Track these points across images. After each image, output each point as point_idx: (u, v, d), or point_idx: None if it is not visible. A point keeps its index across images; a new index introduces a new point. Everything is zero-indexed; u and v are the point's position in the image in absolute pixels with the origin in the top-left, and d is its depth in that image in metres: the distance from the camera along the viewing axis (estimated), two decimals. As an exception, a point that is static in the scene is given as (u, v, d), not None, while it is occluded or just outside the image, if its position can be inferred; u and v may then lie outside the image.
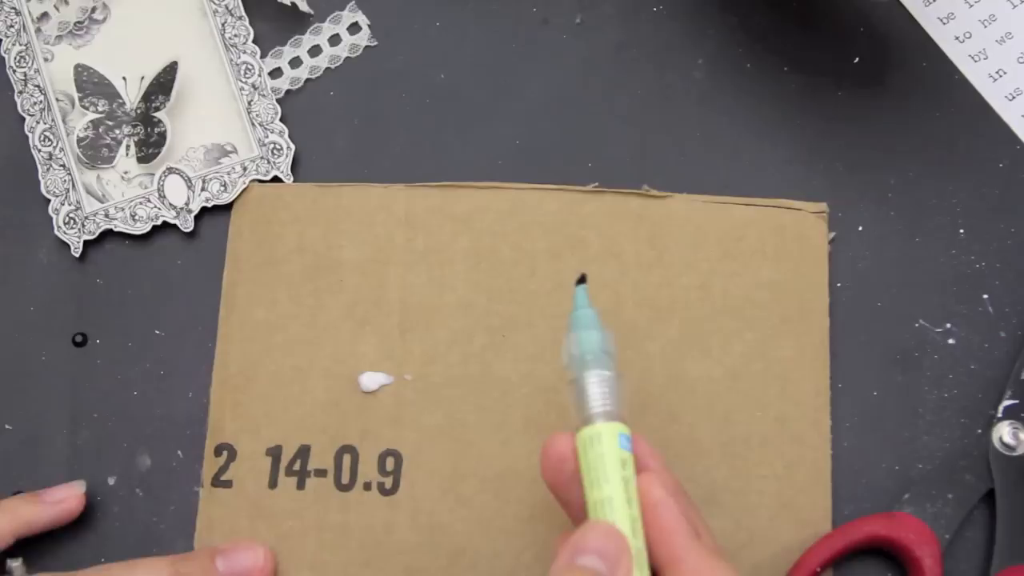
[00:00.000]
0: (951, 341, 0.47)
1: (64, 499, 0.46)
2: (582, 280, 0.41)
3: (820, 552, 0.44)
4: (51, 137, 0.51)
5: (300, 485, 0.47)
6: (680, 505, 0.37)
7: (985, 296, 0.48)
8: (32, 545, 0.46)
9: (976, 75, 0.50)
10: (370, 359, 0.48)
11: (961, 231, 0.49)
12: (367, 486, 0.46)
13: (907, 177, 0.49)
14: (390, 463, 0.47)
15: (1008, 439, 0.45)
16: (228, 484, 0.47)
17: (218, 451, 0.47)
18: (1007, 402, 0.45)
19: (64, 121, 0.51)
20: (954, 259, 0.48)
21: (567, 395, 0.39)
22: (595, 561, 0.35)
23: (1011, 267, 0.48)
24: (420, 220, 0.49)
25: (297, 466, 0.47)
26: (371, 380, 0.47)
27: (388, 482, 0.46)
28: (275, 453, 0.47)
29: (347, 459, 0.47)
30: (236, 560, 0.45)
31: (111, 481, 0.48)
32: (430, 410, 0.47)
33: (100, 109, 0.51)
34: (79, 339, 0.49)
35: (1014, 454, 0.45)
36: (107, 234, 0.50)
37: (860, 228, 0.49)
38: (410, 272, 0.48)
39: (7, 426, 0.49)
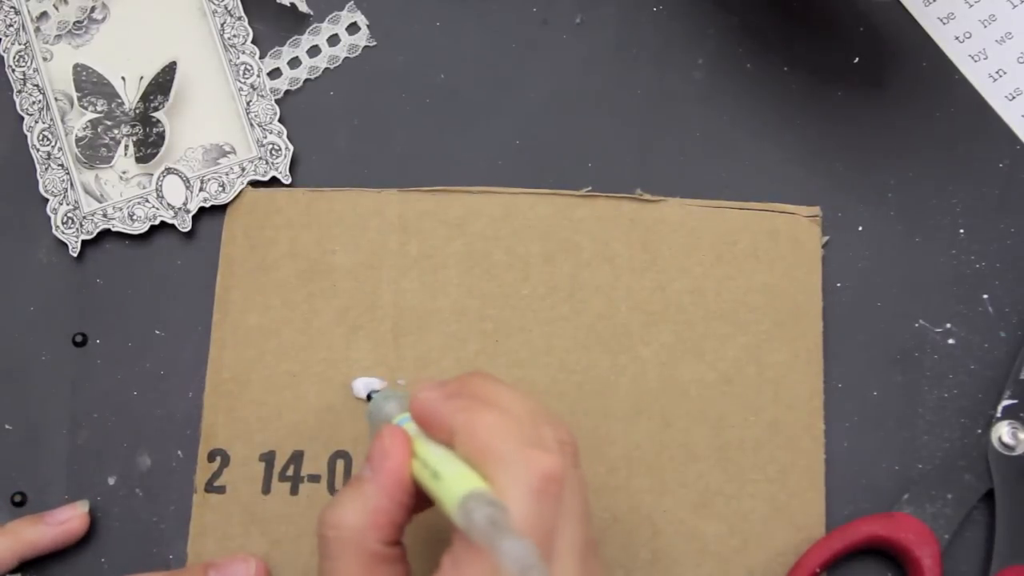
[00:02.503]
0: (951, 341, 0.47)
1: (68, 519, 0.46)
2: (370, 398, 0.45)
3: (820, 553, 0.44)
4: (49, 137, 0.51)
5: (293, 491, 0.47)
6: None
7: (985, 296, 0.48)
8: (32, 545, 0.47)
9: (976, 75, 0.50)
10: (363, 364, 0.48)
11: (961, 231, 0.49)
12: (362, 491, 0.47)
13: (907, 177, 0.49)
14: (384, 468, 0.47)
15: (1007, 439, 0.45)
16: (221, 490, 0.47)
17: (211, 457, 0.47)
18: (1006, 402, 0.45)
19: (63, 121, 0.51)
20: (954, 259, 0.48)
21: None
22: (364, 468, 0.38)
23: (1011, 267, 0.48)
24: (413, 225, 0.49)
25: (290, 472, 0.47)
26: (363, 387, 0.47)
27: (381, 487, 0.47)
28: (268, 459, 0.47)
29: (340, 465, 0.47)
30: (229, 573, 0.45)
31: (111, 481, 0.48)
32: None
33: (99, 109, 0.51)
34: (79, 339, 0.49)
35: (1013, 454, 0.45)
36: (105, 234, 0.50)
37: (860, 228, 0.49)
38: (403, 277, 0.48)
39: (7, 426, 0.49)
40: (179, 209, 0.50)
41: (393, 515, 0.37)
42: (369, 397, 0.46)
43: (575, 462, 0.37)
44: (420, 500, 0.38)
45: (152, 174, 0.50)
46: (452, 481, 0.35)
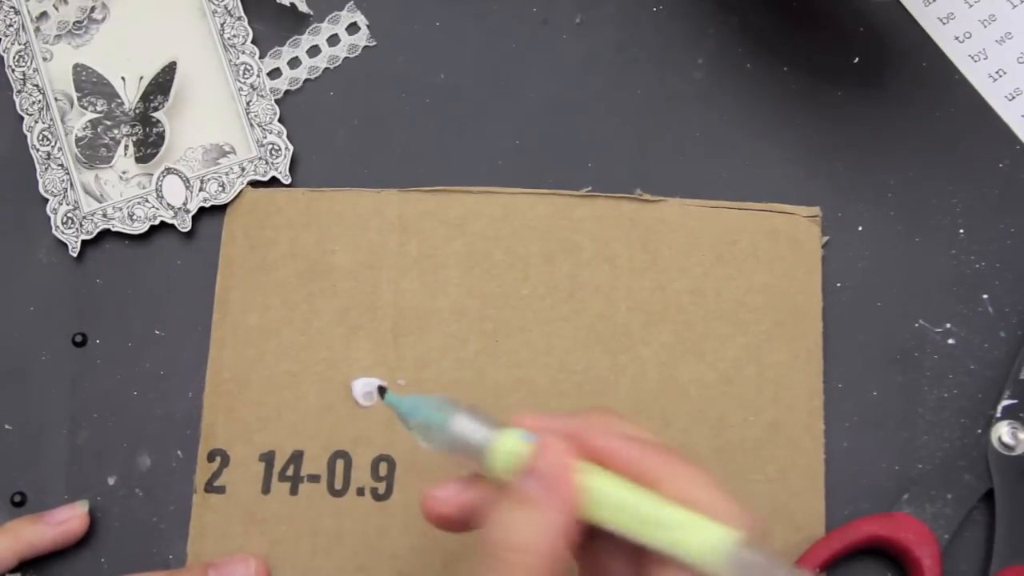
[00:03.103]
0: (951, 341, 0.47)
1: (67, 519, 0.46)
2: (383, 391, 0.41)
3: (820, 553, 0.44)
4: (49, 137, 0.51)
5: (293, 491, 0.47)
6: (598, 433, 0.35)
7: (985, 296, 0.48)
8: (32, 545, 0.47)
9: (976, 75, 0.50)
10: (363, 364, 0.48)
11: (961, 231, 0.48)
12: (360, 492, 0.47)
13: (907, 177, 0.49)
14: (383, 468, 0.47)
15: (1007, 439, 0.45)
16: (221, 490, 0.47)
17: (211, 457, 0.47)
18: (1006, 402, 0.45)
19: (62, 121, 0.51)
20: (954, 259, 0.48)
21: (460, 462, 0.37)
22: (532, 486, 0.34)
23: (1011, 267, 0.48)
24: (413, 225, 0.49)
25: (290, 472, 0.47)
26: (364, 390, 0.47)
27: (381, 487, 0.47)
28: (268, 459, 0.47)
29: (340, 464, 0.47)
30: (229, 573, 0.45)
31: (111, 481, 0.48)
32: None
33: (99, 109, 0.51)
34: (79, 339, 0.49)
35: (1013, 454, 0.45)
36: (105, 234, 0.50)
37: (860, 228, 0.49)
38: (403, 277, 0.48)
39: (7, 426, 0.49)
40: (179, 209, 0.50)
41: (572, 537, 0.34)
42: (381, 393, 0.42)
43: None
44: None
45: (152, 174, 0.50)
46: (691, 528, 0.33)
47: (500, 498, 0.34)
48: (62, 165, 0.50)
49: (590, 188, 0.49)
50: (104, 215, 0.50)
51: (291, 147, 0.50)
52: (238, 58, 0.51)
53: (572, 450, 0.34)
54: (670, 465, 0.34)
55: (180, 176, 0.50)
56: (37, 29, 0.52)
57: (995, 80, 0.50)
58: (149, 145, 0.50)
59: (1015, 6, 0.51)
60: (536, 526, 0.33)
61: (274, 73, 0.51)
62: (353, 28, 0.52)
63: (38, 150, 0.51)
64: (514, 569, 0.33)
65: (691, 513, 0.33)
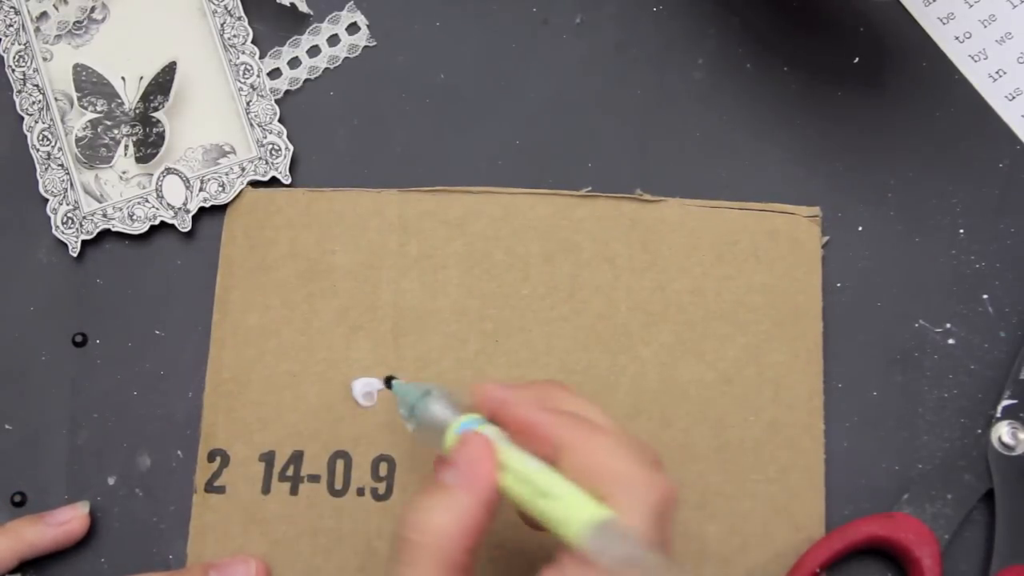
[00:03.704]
0: (951, 341, 0.47)
1: (68, 520, 0.46)
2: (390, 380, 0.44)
3: (820, 553, 0.44)
4: (49, 137, 0.51)
5: (293, 491, 0.47)
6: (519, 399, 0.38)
7: (985, 296, 0.48)
8: (32, 546, 0.47)
9: (976, 75, 0.50)
10: (363, 364, 0.48)
11: (961, 231, 0.48)
12: (360, 492, 0.47)
13: (907, 177, 0.49)
14: (383, 468, 0.47)
15: (1007, 439, 0.45)
16: (221, 490, 0.47)
17: (211, 457, 0.47)
18: (1006, 402, 0.45)
19: (63, 121, 0.51)
20: (954, 259, 0.48)
21: (423, 442, 0.40)
22: (452, 475, 0.36)
23: (1011, 267, 0.48)
24: (413, 225, 0.49)
25: (290, 472, 0.47)
26: (364, 390, 0.47)
27: (381, 488, 0.47)
28: (268, 459, 0.47)
29: (340, 465, 0.47)
30: (230, 574, 0.45)
31: (111, 481, 0.48)
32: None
33: (99, 109, 0.51)
34: (79, 339, 0.49)
35: (1013, 454, 0.45)
36: (105, 234, 0.50)
37: (860, 228, 0.49)
38: (403, 277, 0.48)
39: (7, 426, 0.49)
40: (179, 209, 0.50)
41: (483, 523, 0.36)
42: (388, 383, 0.44)
43: None
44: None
45: (152, 174, 0.50)
46: (571, 504, 0.34)
47: (423, 486, 0.36)
48: (62, 165, 0.50)
49: (590, 188, 0.49)
50: (104, 215, 0.50)
51: (291, 147, 0.50)
52: (238, 58, 0.51)
53: (489, 442, 0.37)
54: (580, 433, 0.36)
55: (180, 176, 0.50)
56: (37, 29, 0.52)
57: (995, 80, 0.50)
58: (149, 145, 0.50)
59: (1015, 6, 0.51)
60: (444, 510, 0.36)
61: (274, 73, 0.51)
62: (353, 28, 0.52)
63: (38, 150, 0.51)
64: (413, 548, 0.36)
65: (573, 488, 0.35)
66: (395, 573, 0.36)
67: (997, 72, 0.50)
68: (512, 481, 0.36)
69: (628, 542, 0.32)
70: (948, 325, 0.47)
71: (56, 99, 0.51)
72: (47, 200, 0.50)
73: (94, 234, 0.50)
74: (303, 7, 0.52)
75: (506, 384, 0.39)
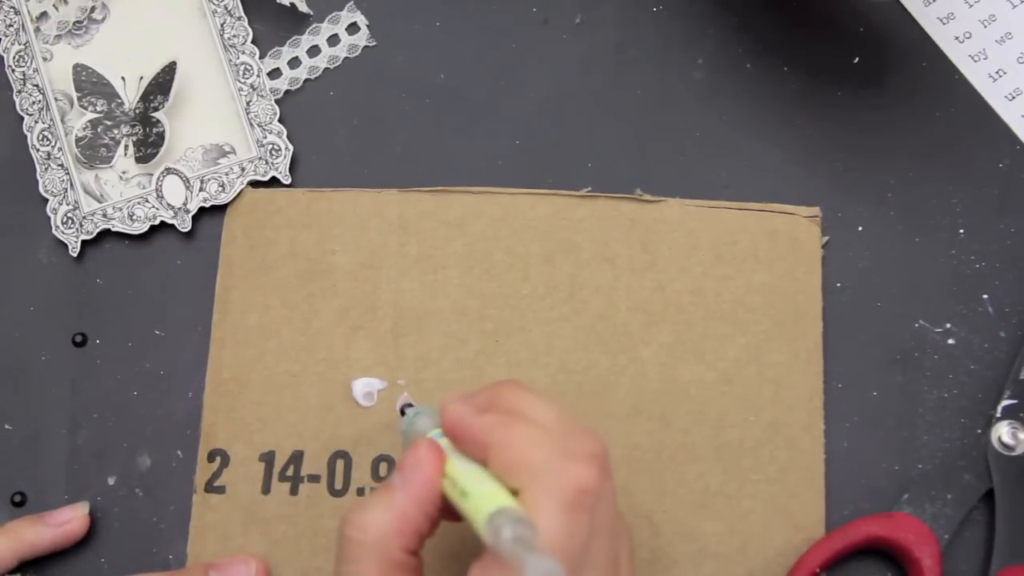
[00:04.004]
0: (951, 341, 0.47)
1: (68, 521, 0.46)
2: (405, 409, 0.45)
3: (819, 553, 0.44)
4: (49, 137, 0.51)
5: (293, 491, 0.47)
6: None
7: (985, 296, 0.48)
8: (32, 546, 0.47)
9: (976, 75, 0.50)
10: (363, 364, 0.48)
11: (961, 231, 0.49)
12: (360, 492, 0.47)
13: (907, 177, 0.49)
14: (383, 468, 0.47)
15: (1007, 439, 0.45)
16: (221, 490, 0.47)
17: (211, 457, 0.47)
18: (1006, 402, 0.45)
19: (63, 121, 0.51)
20: (954, 259, 0.48)
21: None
22: (395, 476, 0.38)
23: (1011, 267, 0.48)
24: (413, 225, 0.49)
25: (290, 472, 0.47)
26: (364, 390, 0.47)
27: (381, 488, 0.47)
28: (268, 459, 0.47)
29: (340, 465, 0.47)
30: (230, 574, 0.45)
31: (111, 481, 0.48)
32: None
33: (99, 109, 0.51)
34: (79, 339, 0.49)
35: (1013, 454, 0.45)
36: (105, 234, 0.50)
37: (860, 228, 0.49)
38: (403, 277, 0.48)
39: (7, 426, 0.49)
40: (179, 209, 0.50)
41: (418, 525, 0.37)
42: (403, 412, 0.46)
43: (607, 474, 0.37)
44: (447, 513, 0.38)
45: (152, 174, 0.50)
46: (480, 499, 0.35)
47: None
48: (62, 165, 0.50)
49: (590, 188, 0.49)
50: (104, 215, 0.50)
51: (291, 147, 0.50)
52: (238, 58, 0.51)
53: (434, 450, 0.38)
54: (502, 432, 0.36)
55: (180, 176, 0.50)
56: (37, 29, 0.52)
57: (995, 80, 0.50)
58: (149, 145, 0.50)
59: (1015, 6, 0.51)
60: (379, 508, 0.37)
61: (274, 73, 0.51)
62: (353, 28, 0.52)
63: (38, 150, 0.51)
64: (351, 545, 0.37)
65: (489, 485, 0.35)
66: (338, 571, 0.37)
67: (997, 72, 0.50)
68: (447, 485, 0.37)
69: (520, 527, 0.32)
70: (948, 325, 0.47)
71: (56, 99, 0.51)
72: (47, 200, 0.50)
73: (94, 234, 0.50)
74: (303, 7, 0.52)
75: (463, 394, 0.39)
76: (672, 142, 0.50)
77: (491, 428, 0.37)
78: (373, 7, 0.52)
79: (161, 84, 0.51)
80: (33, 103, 0.51)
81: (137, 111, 0.51)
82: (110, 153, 0.50)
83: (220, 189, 0.50)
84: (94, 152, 0.50)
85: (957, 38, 0.51)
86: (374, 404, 0.47)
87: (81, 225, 0.50)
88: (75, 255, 0.50)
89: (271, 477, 0.47)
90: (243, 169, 0.50)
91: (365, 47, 0.52)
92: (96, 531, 0.47)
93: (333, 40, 0.52)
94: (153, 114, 0.50)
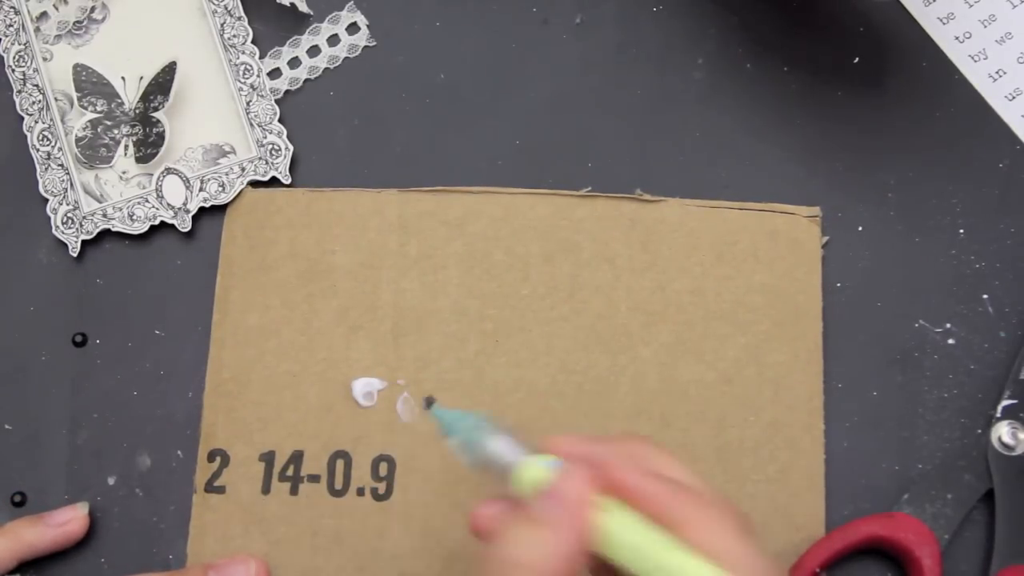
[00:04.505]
0: (951, 341, 0.47)
1: (67, 521, 0.46)
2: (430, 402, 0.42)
3: (819, 553, 0.44)
4: (49, 137, 0.51)
5: (293, 491, 0.47)
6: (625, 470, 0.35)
7: (985, 296, 0.48)
8: (32, 546, 0.47)
9: (976, 75, 0.50)
10: (363, 364, 0.48)
11: (961, 231, 0.48)
12: (360, 492, 0.47)
13: (907, 177, 0.49)
14: (383, 468, 0.47)
15: (1007, 439, 0.45)
16: (221, 490, 0.47)
17: (211, 457, 0.47)
18: (1006, 402, 0.45)
19: (63, 121, 0.51)
20: (954, 259, 0.48)
21: (491, 481, 0.37)
22: (543, 508, 0.34)
23: (1011, 267, 0.48)
24: (413, 225, 0.49)
25: (290, 472, 0.47)
26: (364, 390, 0.47)
27: (381, 487, 0.47)
28: (268, 459, 0.47)
29: (340, 465, 0.47)
30: (229, 574, 0.45)
31: (111, 481, 0.48)
32: (423, 415, 0.47)
33: (99, 109, 0.51)
34: (79, 339, 0.49)
35: (1013, 454, 0.45)
36: (105, 234, 0.50)
37: (860, 228, 0.49)
38: (403, 277, 0.48)
39: (7, 426, 0.49)
40: (179, 209, 0.50)
41: (579, 566, 0.34)
42: (428, 404, 0.44)
43: None
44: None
45: (152, 174, 0.50)
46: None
47: (515, 516, 0.34)
48: (62, 165, 0.50)
49: (590, 188, 0.49)
50: (104, 215, 0.50)
51: (291, 147, 0.50)
52: (238, 58, 0.51)
53: (594, 481, 0.34)
54: (694, 509, 0.34)
55: (180, 176, 0.50)
56: (37, 29, 0.52)
57: (995, 80, 0.50)
58: (149, 145, 0.50)
59: (1015, 6, 0.51)
60: (543, 546, 0.33)
61: (274, 73, 0.51)
62: (353, 28, 0.52)
63: (38, 150, 0.51)
64: None
65: (701, 564, 0.33)
66: None
67: (997, 72, 0.50)
68: (619, 539, 0.34)
69: None
70: (948, 325, 0.47)
71: (56, 99, 0.51)
72: (47, 200, 0.50)
73: (94, 234, 0.50)
74: (303, 7, 0.52)
75: (585, 436, 0.37)
76: (672, 142, 0.50)
77: (679, 504, 0.34)
78: (373, 7, 0.52)
79: (161, 84, 0.51)
80: (33, 103, 0.51)
81: (137, 111, 0.51)
82: (110, 153, 0.50)
83: (220, 189, 0.50)
84: (94, 152, 0.50)
85: (957, 38, 0.51)
86: (374, 404, 0.47)
87: (81, 225, 0.50)
88: (75, 255, 0.50)
89: (271, 477, 0.47)
90: (243, 169, 0.50)
91: (365, 47, 0.52)
92: (96, 531, 0.47)
93: (333, 40, 0.52)
94: (153, 114, 0.51)
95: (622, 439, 0.37)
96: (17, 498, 0.48)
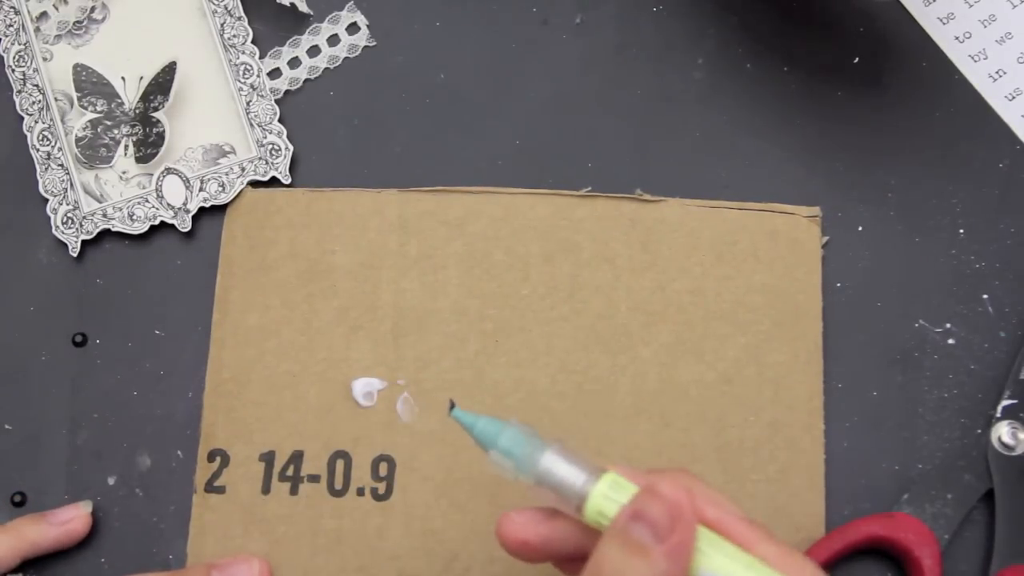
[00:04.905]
0: (951, 341, 0.47)
1: (71, 519, 0.46)
2: (453, 405, 0.38)
3: (819, 553, 0.44)
4: (49, 137, 0.51)
5: (293, 491, 0.47)
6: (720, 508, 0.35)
7: (985, 296, 0.48)
8: (33, 546, 0.47)
9: (976, 75, 0.50)
10: (363, 364, 0.48)
11: (961, 231, 0.48)
12: (360, 492, 0.47)
13: (907, 177, 0.49)
14: (383, 468, 0.47)
15: (1007, 439, 0.45)
16: (221, 490, 0.47)
17: (211, 457, 0.47)
18: (1006, 402, 0.45)
19: (63, 121, 0.51)
20: (954, 259, 0.48)
21: (541, 498, 0.36)
22: (644, 532, 0.32)
23: (1011, 267, 0.48)
24: (413, 225, 0.49)
25: (290, 472, 0.47)
26: (364, 390, 0.47)
27: (381, 487, 0.47)
28: (268, 459, 0.47)
29: (340, 465, 0.47)
30: (232, 574, 0.45)
31: (111, 481, 0.48)
32: (423, 415, 0.47)
33: (99, 109, 0.51)
34: (79, 339, 0.49)
35: (1013, 454, 0.45)
36: (105, 234, 0.50)
37: (860, 228, 0.49)
38: (403, 277, 0.48)
39: (7, 426, 0.49)
40: (179, 209, 0.50)
41: None
42: (452, 407, 0.39)
43: None
44: None
45: (152, 174, 0.50)
46: None
47: (609, 541, 0.33)
48: (62, 165, 0.50)
49: (590, 188, 0.49)
50: (104, 215, 0.50)
51: (291, 147, 0.50)
52: (238, 58, 0.51)
53: (687, 498, 0.33)
54: (777, 549, 0.33)
55: (180, 176, 0.50)
56: (37, 29, 0.52)
57: (995, 80, 0.50)
58: (149, 145, 0.50)
59: (1015, 6, 0.51)
60: (648, 570, 0.32)
61: (274, 73, 0.51)
62: (353, 28, 0.52)
63: (38, 150, 0.51)
64: None
65: None
66: None
67: (997, 72, 0.50)
68: (720, 564, 0.33)
69: None
70: (948, 325, 0.47)
71: (56, 99, 0.51)
72: (47, 200, 0.50)
73: (94, 234, 0.50)
74: (303, 7, 0.52)
75: (634, 468, 0.35)
76: (672, 142, 0.50)
77: (759, 538, 0.33)
78: (373, 7, 0.52)
79: (161, 84, 0.51)
80: (33, 103, 0.51)
81: (137, 111, 0.51)
82: (110, 153, 0.50)
83: (220, 189, 0.50)
84: (94, 152, 0.50)
85: (957, 38, 0.51)
86: (374, 404, 0.47)
87: (81, 225, 0.50)
88: (75, 255, 0.50)
89: (271, 477, 0.47)
90: (243, 169, 0.50)
91: (365, 47, 0.52)
92: (96, 531, 0.47)
93: (333, 40, 0.52)
94: (153, 114, 0.50)
95: (675, 472, 0.36)
96: (17, 498, 0.48)
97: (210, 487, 0.47)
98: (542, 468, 0.35)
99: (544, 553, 0.36)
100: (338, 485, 0.47)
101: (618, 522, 0.33)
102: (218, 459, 0.47)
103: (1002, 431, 0.45)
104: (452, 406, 0.37)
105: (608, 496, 0.34)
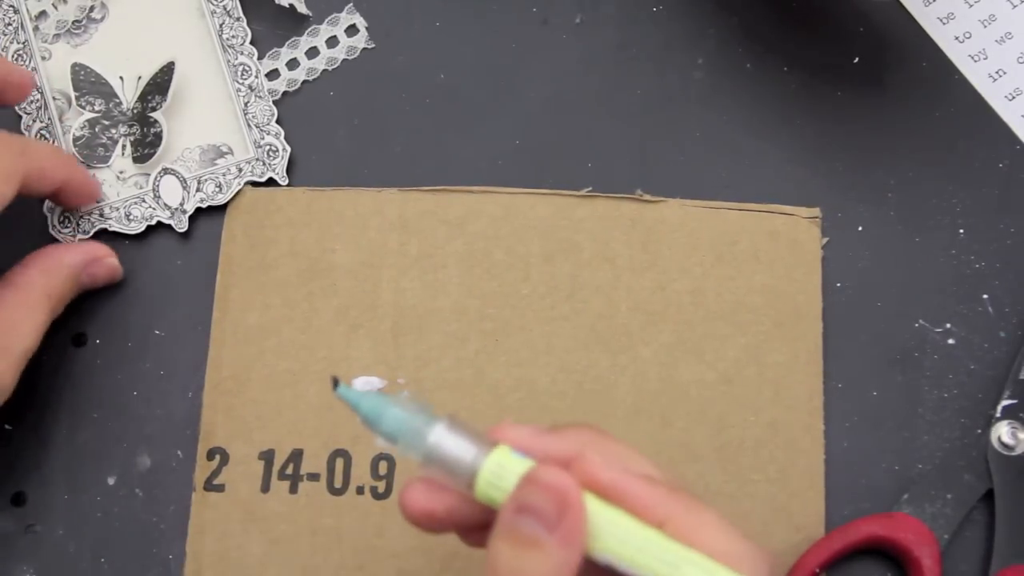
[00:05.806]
0: (951, 341, 0.47)
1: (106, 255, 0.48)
2: (336, 384, 0.35)
3: (819, 553, 0.44)
4: (47, 136, 0.51)
5: (293, 489, 0.47)
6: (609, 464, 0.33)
7: (985, 296, 0.48)
8: (34, 547, 0.47)
9: (976, 75, 0.50)
10: (363, 363, 0.48)
11: (961, 231, 0.49)
12: (360, 490, 0.47)
13: (907, 177, 0.49)
14: (383, 467, 0.47)
15: (1007, 439, 0.45)
16: (220, 488, 0.47)
17: (210, 455, 0.47)
18: (1006, 402, 0.45)
19: (60, 120, 0.51)
20: (954, 259, 0.48)
21: (431, 473, 0.34)
22: (532, 525, 0.31)
23: (1011, 267, 0.48)
24: (413, 224, 0.49)
25: (290, 470, 0.47)
26: (364, 389, 0.47)
27: (381, 486, 0.46)
28: (268, 457, 0.47)
29: (340, 463, 0.47)
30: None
31: (111, 481, 0.48)
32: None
33: (96, 108, 0.51)
34: (79, 339, 0.49)
35: (1013, 454, 0.45)
36: (102, 233, 0.50)
37: (859, 228, 0.49)
38: (403, 276, 0.48)
39: (7, 426, 0.49)
40: (175, 209, 0.50)
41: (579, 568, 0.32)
42: (336, 384, 0.35)
43: None
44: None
45: (149, 174, 0.50)
46: (708, 572, 0.31)
47: (499, 541, 0.32)
48: (61, 165, 0.50)
49: (590, 188, 0.49)
50: (101, 215, 0.50)
51: (288, 148, 0.50)
52: (236, 59, 0.51)
53: (575, 481, 0.32)
54: (680, 505, 0.32)
55: (177, 176, 0.50)
56: (36, 28, 0.52)
57: (995, 80, 0.50)
58: (147, 145, 0.50)
59: (1015, 6, 0.51)
60: (544, 571, 0.31)
61: (272, 74, 0.51)
62: (352, 30, 0.52)
63: (37, 150, 0.50)
64: None
65: (707, 560, 0.32)
66: None
67: (997, 72, 0.50)
68: (614, 542, 0.32)
69: None
70: (948, 325, 0.47)
71: (54, 98, 0.51)
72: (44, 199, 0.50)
73: (91, 233, 0.50)
74: (302, 8, 0.52)
75: (535, 427, 0.34)
76: (672, 142, 0.50)
77: (667, 503, 0.32)
78: (372, 8, 0.52)
79: (159, 84, 0.51)
80: (31, 102, 0.51)
81: (135, 111, 0.51)
82: (107, 153, 0.50)
83: (217, 190, 0.50)
84: (92, 152, 0.50)
85: (957, 38, 0.51)
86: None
87: (78, 224, 0.50)
88: (73, 255, 0.50)
89: (270, 475, 0.47)
90: (240, 170, 0.50)
91: (364, 49, 0.52)
92: (96, 531, 0.47)
93: (332, 42, 0.52)
94: (151, 114, 0.50)
95: (576, 430, 0.35)
96: (17, 498, 0.48)
97: (209, 485, 0.47)
98: (429, 445, 0.33)
99: (449, 523, 0.35)
100: (338, 484, 0.47)
101: (504, 519, 0.32)
102: (217, 457, 0.47)
103: (1002, 431, 0.45)
104: (336, 384, 0.35)
105: (492, 483, 0.33)
